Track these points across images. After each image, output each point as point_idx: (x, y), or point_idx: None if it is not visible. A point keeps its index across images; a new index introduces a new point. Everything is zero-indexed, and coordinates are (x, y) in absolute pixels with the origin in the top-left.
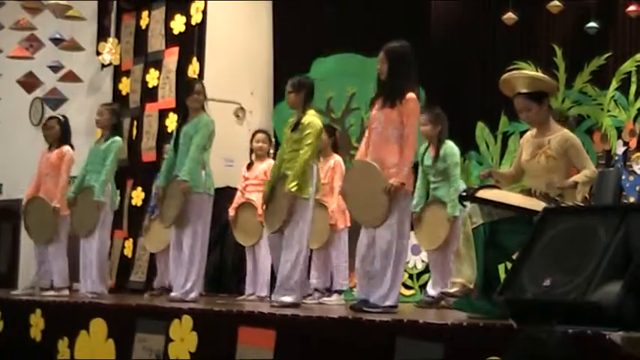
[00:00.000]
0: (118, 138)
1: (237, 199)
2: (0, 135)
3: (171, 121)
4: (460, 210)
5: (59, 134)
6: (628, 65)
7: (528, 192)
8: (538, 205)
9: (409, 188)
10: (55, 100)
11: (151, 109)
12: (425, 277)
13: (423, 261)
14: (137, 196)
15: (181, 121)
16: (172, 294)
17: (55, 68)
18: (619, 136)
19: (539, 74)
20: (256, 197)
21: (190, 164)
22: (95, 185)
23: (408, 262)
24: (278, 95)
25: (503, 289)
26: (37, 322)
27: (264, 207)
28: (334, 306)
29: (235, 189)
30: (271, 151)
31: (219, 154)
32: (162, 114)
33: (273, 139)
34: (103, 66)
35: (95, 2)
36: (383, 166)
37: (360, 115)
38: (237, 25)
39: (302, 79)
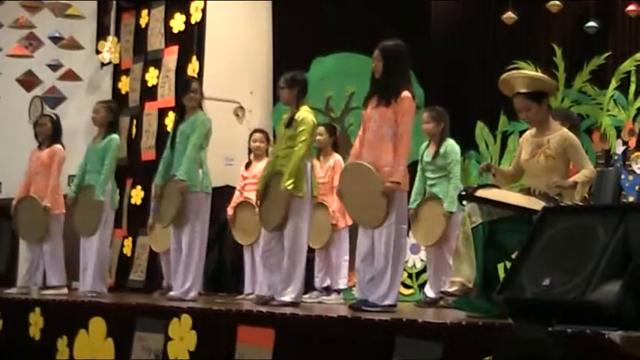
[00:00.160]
0: (115, 136)
1: (236, 198)
2: None
3: (171, 120)
4: (456, 206)
5: (51, 132)
6: (627, 65)
7: (527, 191)
8: (537, 204)
9: (405, 187)
10: (55, 98)
11: (151, 108)
12: (424, 276)
13: (422, 260)
14: (137, 195)
15: (178, 120)
16: (171, 293)
17: (55, 67)
18: (618, 136)
19: (539, 74)
20: (254, 196)
21: (188, 164)
22: (95, 185)
23: (407, 262)
24: (277, 94)
25: (502, 288)
26: (36, 321)
27: (259, 204)
28: (333, 305)
29: (235, 188)
30: (269, 151)
31: (218, 153)
32: (162, 113)
33: (271, 138)
34: (103, 65)
35: (95, 1)
36: (378, 165)
37: (360, 114)
38: (237, 24)
39: (295, 75)
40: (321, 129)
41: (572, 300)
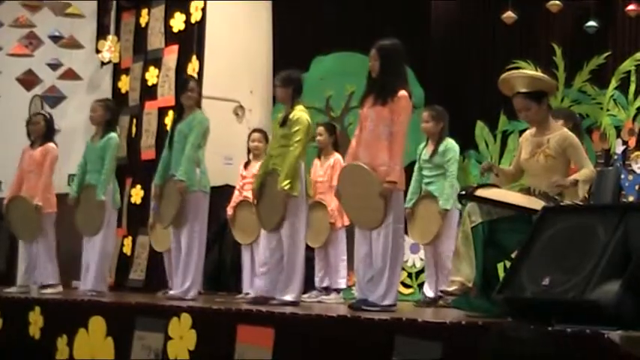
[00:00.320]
0: (113, 134)
1: (235, 197)
2: None
3: (171, 119)
4: (452, 204)
5: (44, 130)
6: (627, 64)
7: (527, 191)
8: (537, 204)
9: (401, 187)
10: (54, 97)
11: (151, 107)
12: (424, 275)
13: (421, 259)
14: (136, 194)
15: (176, 119)
16: (171, 292)
17: (55, 66)
18: (618, 135)
19: (539, 74)
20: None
21: (187, 164)
22: (96, 184)
23: (406, 261)
24: None
25: (502, 287)
26: (36, 320)
27: (255, 202)
28: (333, 304)
29: (234, 187)
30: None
31: (218, 153)
32: (162, 112)
33: (270, 138)
34: (103, 64)
35: (95, 0)
36: (374, 164)
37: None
38: (237, 23)
39: (290, 74)
40: (321, 129)
41: (572, 299)
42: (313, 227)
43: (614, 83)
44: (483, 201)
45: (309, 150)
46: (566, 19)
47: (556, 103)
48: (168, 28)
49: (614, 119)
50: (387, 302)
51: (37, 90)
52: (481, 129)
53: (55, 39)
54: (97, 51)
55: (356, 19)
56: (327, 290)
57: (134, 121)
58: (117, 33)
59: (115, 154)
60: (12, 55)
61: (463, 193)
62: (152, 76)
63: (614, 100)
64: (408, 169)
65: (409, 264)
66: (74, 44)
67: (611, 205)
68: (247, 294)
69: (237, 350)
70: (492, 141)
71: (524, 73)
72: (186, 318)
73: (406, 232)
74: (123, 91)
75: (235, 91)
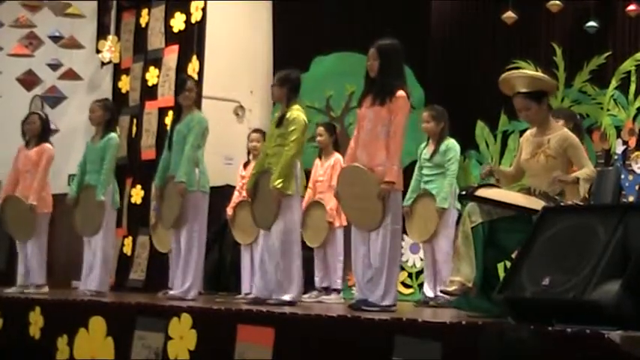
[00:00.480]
0: (113, 135)
1: (235, 198)
2: None
3: (171, 119)
4: (449, 203)
5: (39, 130)
6: (627, 64)
7: (528, 191)
8: (537, 204)
9: (399, 187)
10: (54, 98)
11: (151, 107)
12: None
13: (421, 259)
14: (137, 194)
15: (175, 120)
16: (171, 292)
17: (55, 66)
18: (618, 135)
19: (539, 74)
20: None
21: (186, 165)
22: (96, 185)
23: (406, 261)
24: None
25: (502, 287)
26: (36, 320)
27: (250, 201)
28: (333, 304)
29: (234, 187)
30: None
31: (218, 153)
32: (162, 112)
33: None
34: (103, 64)
35: (95, 0)
36: (372, 164)
37: None
38: (237, 23)
39: (288, 74)
40: (321, 129)
41: (572, 299)
42: (312, 227)
43: (614, 83)
44: (484, 201)
45: (309, 150)
46: (566, 19)
47: (556, 103)
48: (168, 28)
49: (615, 119)
50: (386, 302)
51: (38, 90)
52: (481, 129)
53: (56, 39)
54: (98, 51)
55: (356, 19)
56: (327, 290)
57: (134, 121)
58: (117, 33)
59: (114, 155)
60: (12, 55)
61: (463, 193)
62: (152, 76)
63: (615, 100)
64: (409, 169)
65: (409, 264)
66: (74, 44)
67: (611, 205)
68: (247, 294)
69: (237, 350)
70: (493, 141)
71: (524, 73)
72: (186, 318)
73: (406, 232)
74: (123, 91)
75: (235, 91)
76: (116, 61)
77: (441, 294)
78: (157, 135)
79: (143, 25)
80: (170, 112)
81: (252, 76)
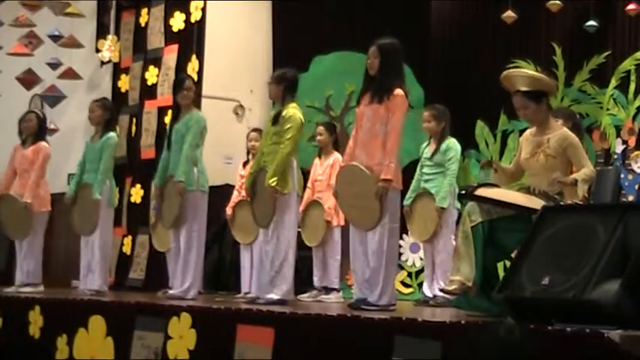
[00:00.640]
0: (112, 134)
1: (234, 197)
2: None
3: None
4: (448, 203)
5: (36, 129)
6: (627, 64)
7: (527, 190)
8: (537, 203)
9: (397, 185)
10: (54, 97)
11: (150, 107)
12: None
13: (421, 259)
14: (136, 194)
15: (174, 119)
16: (171, 292)
17: (54, 65)
18: (618, 135)
19: (539, 74)
20: None
21: (185, 165)
22: (93, 184)
23: (406, 260)
24: None
25: (501, 287)
26: (35, 320)
27: (250, 200)
28: (332, 304)
29: (234, 187)
30: None
31: (218, 152)
32: (161, 111)
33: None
34: (103, 63)
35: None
36: (371, 163)
37: None
38: (237, 22)
39: (284, 72)
40: (321, 128)
41: (572, 299)
42: (310, 226)
43: (614, 82)
44: (483, 200)
45: (309, 150)
46: (566, 19)
47: (556, 102)
48: (168, 27)
49: (614, 118)
50: (385, 301)
51: (37, 89)
52: (481, 128)
53: (55, 38)
54: (97, 50)
55: (356, 19)
56: (326, 290)
57: (134, 120)
58: (117, 32)
59: (112, 154)
60: (12, 54)
61: (463, 192)
62: (152, 75)
63: (614, 99)
64: (409, 169)
65: (409, 263)
66: (74, 43)
67: (610, 204)
68: (247, 293)
69: (236, 349)
70: (492, 140)
71: (524, 72)
72: (186, 317)
73: (406, 232)
74: (123, 90)
75: (235, 90)
76: (116, 60)
77: (441, 293)
78: (156, 134)
79: (143, 25)
80: (169, 112)
81: (252, 75)
